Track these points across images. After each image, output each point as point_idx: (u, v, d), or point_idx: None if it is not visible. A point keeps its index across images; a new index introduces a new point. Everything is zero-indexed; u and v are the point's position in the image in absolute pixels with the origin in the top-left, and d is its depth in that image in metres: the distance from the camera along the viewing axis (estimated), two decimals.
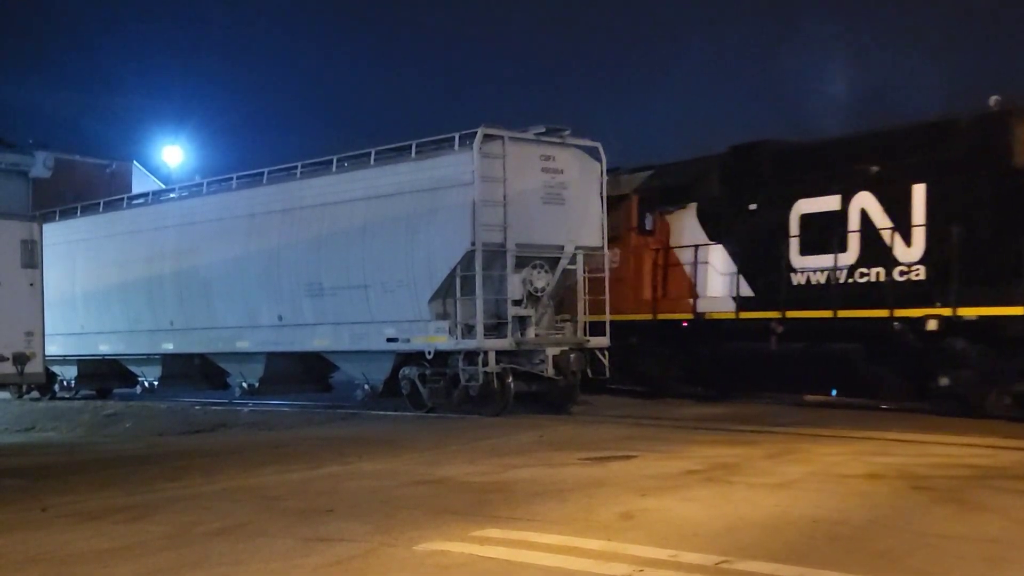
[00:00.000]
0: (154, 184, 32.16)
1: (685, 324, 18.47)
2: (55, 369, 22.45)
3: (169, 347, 21.33)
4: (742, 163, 18.09)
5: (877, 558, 6.19)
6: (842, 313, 15.92)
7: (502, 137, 16.17)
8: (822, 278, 16.44)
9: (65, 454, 13.56)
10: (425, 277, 16.39)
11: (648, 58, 63.35)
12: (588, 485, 8.99)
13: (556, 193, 16.76)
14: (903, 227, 15.50)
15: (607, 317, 17.43)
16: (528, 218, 16.38)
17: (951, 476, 9.30)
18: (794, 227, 16.86)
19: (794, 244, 16.82)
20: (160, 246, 21.14)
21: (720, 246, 18.16)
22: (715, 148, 19.54)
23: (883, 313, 15.40)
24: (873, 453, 10.89)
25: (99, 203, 23.43)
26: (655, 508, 7.85)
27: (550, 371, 16.40)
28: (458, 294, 16.10)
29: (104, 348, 22.74)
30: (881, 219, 15.80)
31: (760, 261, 17.36)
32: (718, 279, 18.15)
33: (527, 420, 15.35)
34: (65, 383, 23.68)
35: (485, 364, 16.04)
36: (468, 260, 15.95)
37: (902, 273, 15.51)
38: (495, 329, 16.26)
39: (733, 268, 17.81)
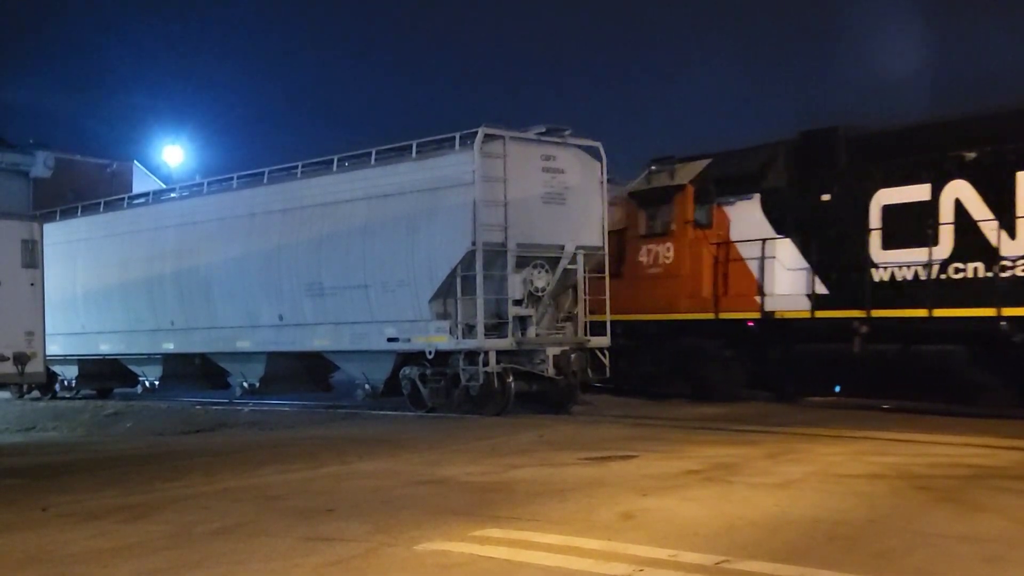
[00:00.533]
0: (155, 184, 32.18)
1: (751, 324, 17.38)
2: (56, 369, 22.48)
3: (170, 347, 21.35)
4: (814, 150, 16.93)
5: (877, 558, 6.19)
6: (938, 312, 14.75)
7: (503, 137, 16.18)
8: (908, 274, 15.32)
9: (65, 454, 13.56)
10: (426, 277, 16.40)
11: (650, 57, 63.35)
12: (588, 485, 8.99)
13: (557, 193, 16.77)
14: (1006, 218, 14.36)
15: (607, 317, 17.41)
16: (529, 218, 16.39)
17: (950, 476, 9.30)
18: (875, 219, 15.73)
19: (875, 237, 15.69)
20: (161, 246, 21.15)
21: (788, 240, 17.03)
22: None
23: (989, 312, 14.26)
24: (873, 453, 10.89)
25: (100, 203, 23.45)
26: (655, 508, 7.85)
27: (551, 371, 16.41)
28: (459, 294, 16.11)
29: (105, 348, 22.76)
30: (979, 210, 14.67)
31: (835, 256, 16.26)
32: (786, 275, 16.98)
33: (527, 420, 15.35)
34: (66, 383, 23.70)
35: (486, 364, 16.06)
36: (469, 260, 15.96)
37: (1005, 268, 14.35)
38: (495, 329, 16.27)
39: (803, 263, 16.72)
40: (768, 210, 17.41)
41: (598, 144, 17.36)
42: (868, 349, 15.64)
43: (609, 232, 19.54)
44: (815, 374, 16.73)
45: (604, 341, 17.22)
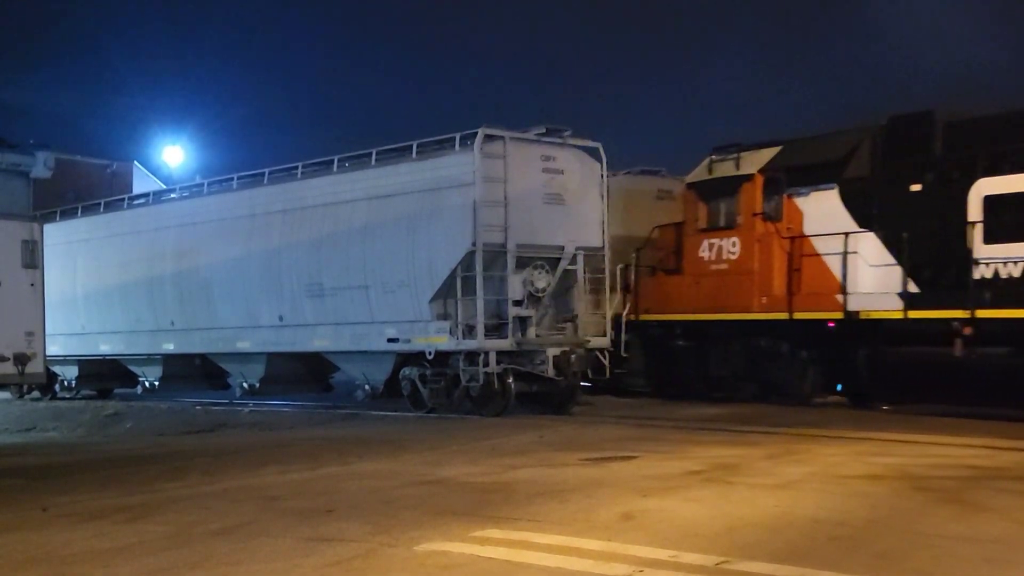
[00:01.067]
0: (155, 184, 32.16)
1: (831, 325, 16.15)
2: (56, 369, 22.47)
3: (170, 347, 21.34)
4: (904, 137, 15.72)
5: (877, 559, 6.19)
6: None
7: (503, 137, 16.18)
8: (1016, 271, 14.21)
9: (66, 454, 13.56)
10: (426, 277, 16.40)
11: (650, 57, 63.39)
12: (588, 485, 8.99)
13: (557, 193, 16.77)
14: None
15: (607, 318, 17.37)
16: (529, 218, 16.39)
17: (951, 477, 9.31)
18: (975, 211, 14.56)
19: (976, 231, 14.52)
20: (161, 246, 21.15)
21: (871, 234, 15.78)
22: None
23: None
24: (873, 454, 10.89)
25: (100, 203, 23.45)
26: (655, 508, 7.84)
27: (551, 371, 16.41)
28: (459, 294, 16.10)
29: (105, 348, 22.76)
30: None
31: (929, 251, 15.06)
32: (869, 272, 15.72)
33: (528, 420, 15.35)
34: (66, 383, 23.69)
35: (486, 364, 16.05)
36: (469, 260, 15.96)
37: None
38: (496, 329, 16.26)
39: (889, 259, 15.51)
40: (849, 202, 16.17)
41: (598, 144, 17.36)
42: (973, 353, 14.49)
43: (663, 226, 19.11)
44: (908, 379, 15.36)
45: (604, 342, 17.22)
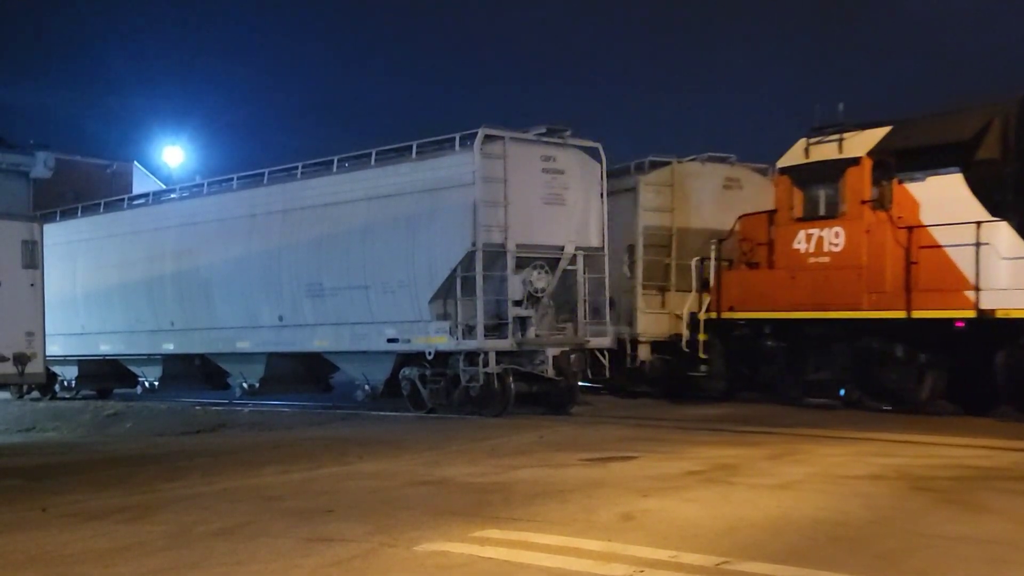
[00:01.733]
0: (155, 184, 32.20)
1: (960, 324, 14.57)
2: (56, 369, 22.48)
3: (170, 347, 21.35)
4: None
5: (878, 559, 6.18)
6: None
7: (503, 138, 16.18)
8: None
9: (65, 454, 13.55)
10: (426, 278, 16.40)
11: (651, 57, 63.38)
12: (588, 486, 8.98)
13: (557, 194, 16.76)
14: None
15: (607, 318, 17.36)
16: (529, 219, 16.38)
17: (952, 477, 9.30)
18: None
19: None
20: (161, 246, 21.16)
21: (1005, 223, 14.23)
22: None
23: None
24: (874, 454, 10.88)
25: (100, 203, 23.48)
26: (656, 509, 7.83)
27: (551, 372, 16.41)
28: (459, 294, 16.10)
29: (105, 348, 22.76)
30: None
31: None
32: (1003, 266, 14.19)
33: (528, 421, 15.34)
34: (66, 383, 23.70)
35: (486, 365, 16.05)
36: (469, 261, 15.96)
37: None
38: (496, 330, 16.26)
39: None
40: (977, 188, 14.56)
41: (598, 144, 17.35)
42: None
43: (749, 215, 17.99)
44: None
45: (604, 342, 17.21)
